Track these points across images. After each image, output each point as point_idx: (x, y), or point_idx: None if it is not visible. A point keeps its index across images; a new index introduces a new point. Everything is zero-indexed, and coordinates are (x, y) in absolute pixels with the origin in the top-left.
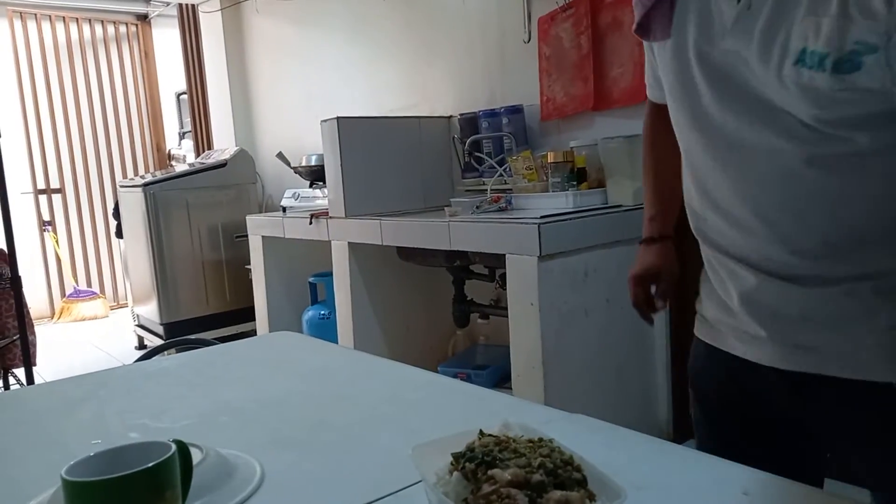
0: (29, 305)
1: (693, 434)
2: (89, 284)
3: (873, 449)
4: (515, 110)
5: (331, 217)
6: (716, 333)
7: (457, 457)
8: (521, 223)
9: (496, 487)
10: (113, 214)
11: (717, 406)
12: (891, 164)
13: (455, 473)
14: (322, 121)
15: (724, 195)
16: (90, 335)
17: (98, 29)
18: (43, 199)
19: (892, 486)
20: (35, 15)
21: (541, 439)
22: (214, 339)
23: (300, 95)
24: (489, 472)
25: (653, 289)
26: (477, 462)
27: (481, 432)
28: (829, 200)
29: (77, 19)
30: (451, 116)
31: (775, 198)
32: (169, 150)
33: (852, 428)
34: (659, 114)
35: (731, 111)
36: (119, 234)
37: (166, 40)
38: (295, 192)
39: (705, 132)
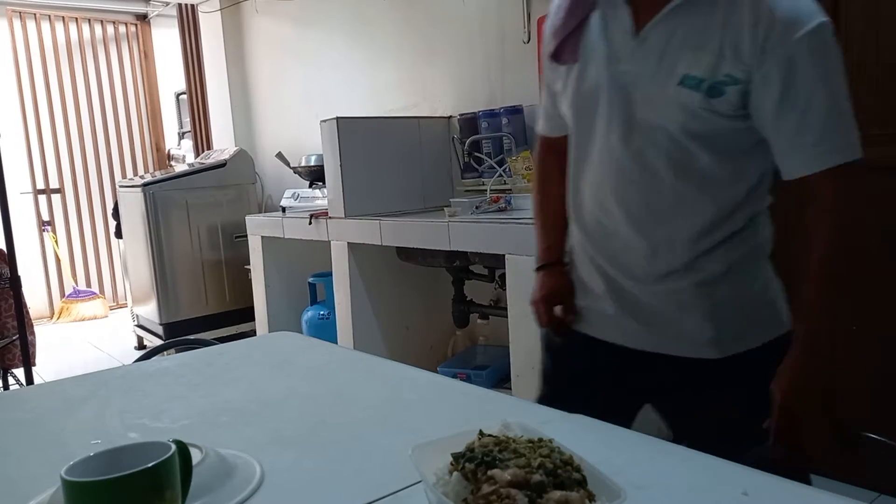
0: (28, 305)
1: None
2: (89, 285)
3: (684, 403)
4: (515, 111)
5: (330, 217)
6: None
7: (456, 457)
8: (521, 223)
9: (496, 488)
10: (112, 214)
11: (565, 373)
12: (726, 183)
13: (455, 473)
14: (321, 121)
15: (603, 196)
16: (90, 335)
17: (98, 29)
18: (42, 199)
19: (692, 431)
20: (35, 15)
21: (540, 439)
22: (214, 339)
23: (300, 95)
24: (489, 473)
25: (556, 309)
26: (477, 462)
27: (481, 432)
28: (686, 205)
29: (76, 19)
30: (450, 117)
31: (643, 200)
32: (168, 151)
33: (671, 387)
34: (551, 148)
35: (619, 120)
36: (118, 235)
37: (166, 40)
38: (294, 193)
39: (599, 139)
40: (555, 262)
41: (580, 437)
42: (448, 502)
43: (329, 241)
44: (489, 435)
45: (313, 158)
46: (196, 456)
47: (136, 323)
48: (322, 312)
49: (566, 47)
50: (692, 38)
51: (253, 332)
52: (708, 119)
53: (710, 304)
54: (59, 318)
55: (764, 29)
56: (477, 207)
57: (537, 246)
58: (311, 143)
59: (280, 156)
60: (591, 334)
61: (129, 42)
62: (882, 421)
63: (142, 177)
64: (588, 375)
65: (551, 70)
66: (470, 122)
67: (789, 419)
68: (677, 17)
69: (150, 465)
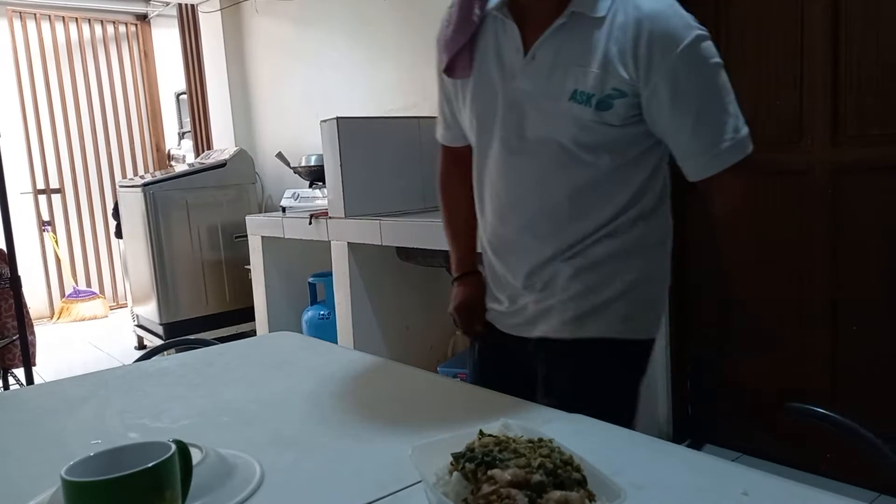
0: (28, 305)
1: (691, 435)
2: (89, 285)
3: (566, 381)
4: None
5: (330, 217)
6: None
7: (457, 457)
8: None
9: (496, 488)
10: (112, 214)
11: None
12: (623, 178)
13: (455, 473)
14: (322, 121)
15: (503, 204)
16: (90, 335)
17: (98, 29)
18: (42, 199)
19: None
20: (35, 15)
21: (540, 439)
22: (214, 339)
23: (300, 95)
24: (489, 473)
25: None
26: (477, 462)
27: (481, 432)
28: (580, 210)
29: (77, 19)
30: None
31: (538, 210)
32: (168, 151)
33: (558, 366)
34: (453, 158)
35: (515, 134)
36: (118, 235)
37: (166, 40)
38: (294, 193)
39: (497, 152)
40: (468, 272)
41: (580, 437)
42: (448, 502)
43: (329, 241)
44: (489, 435)
45: (313, 158)
46: (196, 456)
47: (136, 323)
48: (322, 312)
49: (458, 63)
50: (578, 55)
51: (253, 332)
52: (599, 130)
53: (576, 287)
54: (59, 318)
55: (645, 47)
56: None
57: (450, 256)
58: (311, 143)
59: (280, 156)
60: (499, 329)
61: (129, 42)
62: (886, 420)
63: (142, 177)
64: (503, 371)
65: (448, 82)
66: None
67: None
68: (562, 36)
69: (150, 465)
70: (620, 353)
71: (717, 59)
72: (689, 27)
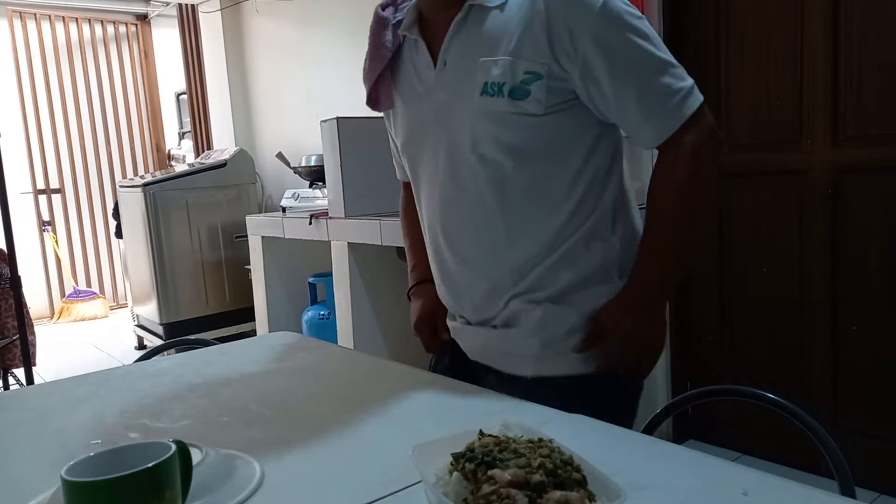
0: (28, 305)
1: (694, 435)
2: (89, 285)
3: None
4: None
5: (330, 217)
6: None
7: (457, 457)
8: None
9: (496, 488)
10: (112, 214)
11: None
12: (561, 185)
13: (455, 474)
14: (322, 121)
15: (435, 235)
16: (90, 335)
17: (98, 29)
18: (42, 199)
19: None
20: (35, 15)
21: (540, 440)
22: (214, 339)
23: (300, 95)
24: (489, 473)
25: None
26: (477, 462)
27: (481, 432)
28: (516, 230)
29: (77, 19)
30: None
31: (472, 234)
32: (168, 151)
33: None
34: (409, 188)
35: (442, 151)
36: (119, 235)
37: (166, 40)
38: (294, 193)
39: (427, 177)
40: (424, 281)
41: (580, 437)
42: (448, 502)
43: (329, 241)
44: (489, 435)
45: (313, 158)
46: (196, 456)
47: (136, 323)
48: (322, 312)
49: (379, 93)
50: (485, 47)
51: (253, 332)
52: (520, 123)
53: (537, 321)
54: (59, 318)
55: (561, 21)
56: None
57: (408, 270)
58: (312, 143)
59: (280, 156)
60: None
61: (129, 42)
62: (886, 420)
63: (142, 177)
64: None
65: (385, 119)
66: None
67: (593, 340)
68: (463, 34)
69: (150, 465)
70: (594, 392)
71: (636, 11)
72: None
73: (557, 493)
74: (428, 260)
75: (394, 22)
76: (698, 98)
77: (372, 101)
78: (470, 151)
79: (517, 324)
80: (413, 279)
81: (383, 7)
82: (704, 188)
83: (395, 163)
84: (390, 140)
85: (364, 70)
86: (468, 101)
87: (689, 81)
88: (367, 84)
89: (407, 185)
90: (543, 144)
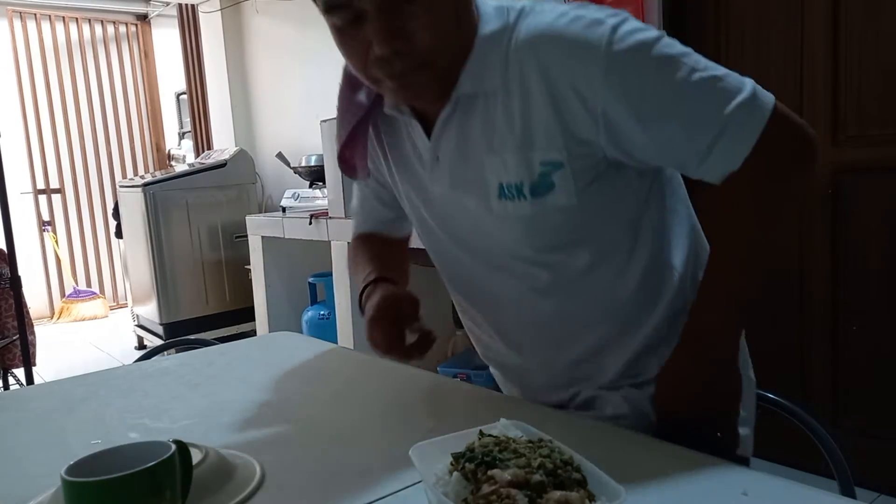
0: (28, 305)
1: None
2: (89, 285)
3: None
4: None
5: (330, 217)
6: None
7: (457, 457)
8: None
9: (496, 488)
10: (112, 214)
11: None
12: (598, 279)
13: (455, 474)
14: (321, 121)
15: (477, 317)
16: (90, 335)
17: (98, 29)
18: (42, 199)
19: None
20: (35, 15)
21: (540, 440)
22: (214, 339)
23: (300, 95)
24: (489, 473)
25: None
26: (477, 462)
27: (481, 432)
28: (560, 323)
29: (77, 19)
30: None
31: (514, 323)
32: (169, 151)
33: None
34: (370, 236)
35: (466, 251)
36: (119, 235)
37: (166, 40)
38: (295, 193)
39: (449, 268)
40: (380, 279)
41: (580, 437)
42: (448, 502)
43: (329, 241)
44: (489, 435)
45: (313, 158)
46: (196, 456)
47: (136, 323)
48: (322, 312)
49: (354, 160)
50: (483, 143)
51: (253, 332)
52: (553, 220)
53: (616, 405)
54: (59, 318)
55: (562, 84)
56: None
57: (360, 279)
58: (312, 144)
59: (280, 156)
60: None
61: (129, 42)
62: (886, 420)
63: (142, 177)
64: None
65: (375, 173)
66: None
67: (666, 426)
68: (454, 127)
69: (149, 465)
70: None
71: (654, 34)
72: (594, 24)
73: (557, 493)
74: (389, 266)
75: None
76: (765, 102)
77: (346, 167)
78: (501, 257)
79: (593, 407)
80: (365, 280)
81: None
82: (782, 214)
83: (357, 215)
84: (355, 192)
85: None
86: (484, 206)
87: (748, 87)
88: (337, 143)
89: (366, 238)
90: (585, 228)
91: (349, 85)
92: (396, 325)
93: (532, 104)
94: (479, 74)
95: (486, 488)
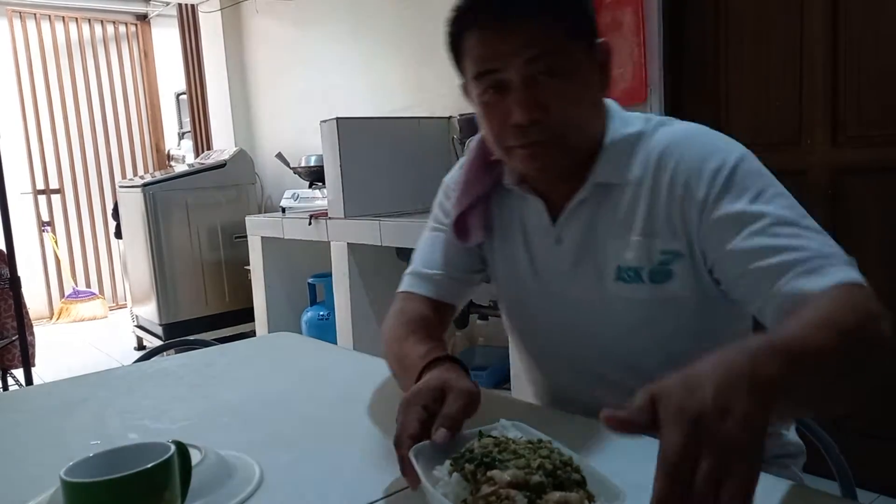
0: (28, 306)
1: None
2: (88, 285)
3: None
4: None
5: (330, 218)
6: None
7: (456, 458)
8: None
9: (495, 488)
10: (112, 215)
11: None
12: None
13: (454, 474)
14: (321, 121)
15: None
16: (89, 336)
17: (98, 29)
18: (42, 199)
19: None
20: (35, 15)
21: (540, 440)
22: (214, 339)
23: (299, 96)
24: (488, 474)
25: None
26: (476, 463)
27: (480, 433)
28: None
29: (77, 19)
30: (450, 117)
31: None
32: (168, 151)
33: None
34: (422, 305)
35: (560, 331)
36: (118, 235)
37: (166, 40)
38: (294, 193)
39: (538, 346)
40: (444, 357)
41: (580, 437)
42: (447, 503)
43: (329, 242)
44: (488, 436)
45: (313, 159)
46: (195, 457)
47: (135, 323)
48: (322, 313)
49: (469, 226)
50: (611, 226)
51: (253, 333)
52: (667, 312)
53: None
54: (58, 318)
55: (682, 189)
56: None
57: (406, 375)
58: (311, 144)
59: (280, 156)
60: None
61: (129, 42)
62: (887, 420)
63: (142, 177)
64: None
65: (451, 238)
66: (470, 123)
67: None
68: (587, 211)
69: (149, 465)
70: None
71: (767, 172)
72: (721, 150)
73: (557, 494)
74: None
75: (495, 159)
76: (856, 276)
77: (460, 232)
78: (607, 342)
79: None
80: (429, 357)
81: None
82: (868, 351)
83: (421, 276)
84: (439, 249)
85: (453, 197)
86: (599, 287)
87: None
88: (455, 210)
89: (415, 300)
90: (701, 322)
91: (482, 157)
92: (426, 420)
93: (659, 197)
94: (616, 167)
95: (485, 489)
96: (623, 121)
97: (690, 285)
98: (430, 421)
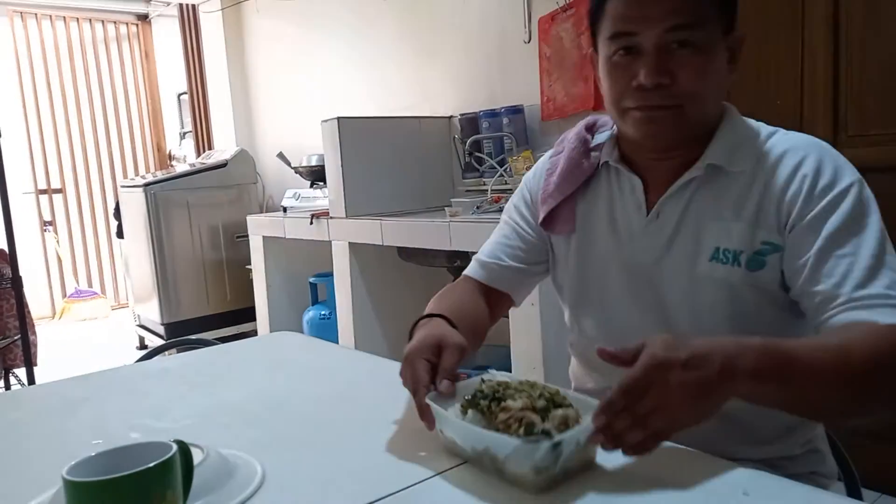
0: (30, 305)
1: None
2: (90, 284)
3: None
4: (516, 110)
5: (331, 217)
6: None
7: (469, 399)
8: None
9: (511, 414)
10: (114, 214)
11: None
12: None
13: (470, 411)
14: (322, 121)
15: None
16: (91, 335)
17: (98, 29)
18: (44, 198)
19: None
20: (35, 15)
21: (527, 380)
22: (215, 339)
23: (300, 95)
24: (503, 405)
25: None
26: (490, 399)
27: (482, 380)
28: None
29: (77, 19)
30: (451, 116)
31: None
32: (169, 151)
33: None
34: (476, 288)
35: (641, 311)
36: (120, 235)
37: (167, 40)
38: (295, 192)
39: (614, 329)
40: (437, 315)
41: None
42: (476, 427)
43: (330, 241)
44: (490, 381)
45: (314, 158)
46: (197, 456)
47: (137, 323)
48: (323, 312)
49: (560, 216)
50: (714, 209)
51: (254, 332)
52: (751, 300)
53: None
54: (60, 318)
55: (794, 192)
56: (478, 207)
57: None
58: (312, 143)
59: (281, 156)
60: None
61: (129, 42)
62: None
63: (143, 177)
64: None
65: (530, 231)
66: (471, 122)
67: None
68: (692, 190)
69: (151, 465)
70: None
71: (874, 205)
72: (839, 169)
73: (559, 412)
74: (463, 312)
75: (592, 145)
76: None
77: (548, 224)
78: (686, 321)
79: None
80: (424, 313)
81: (587, 127)
82: (871, 403)
83: (485, 263)
84: (502, 245)
85: (543, 186)
86: (690, 265)
87: None
88: (547, 203)
89: (474, 284)
90: (769, 329)
91: (584, 146)
92: (430, 371)
93: (773, 191)
94: (731, 153)
95: (502, 416)
96: (740, 118)
97: (776, 280)
98: (433, 371)
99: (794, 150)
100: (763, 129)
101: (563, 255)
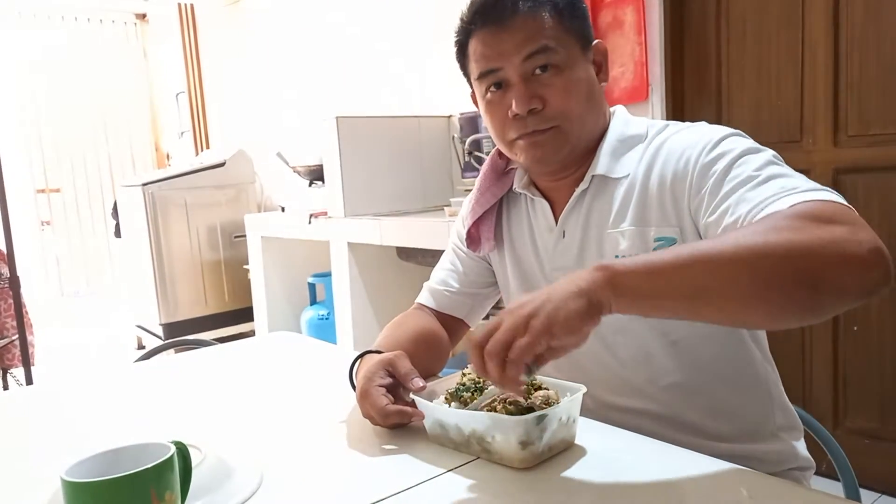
0: (27, 305)
1: None
2: (88, 284)
3: None
4: None
5: (330, 217)
6: None
7: (452, 392)
8: None
9: (495, 397)
10: (112, 214)
11: None
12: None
13: (454, 403)
14: (321, 120)
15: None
16: (89, 335)
17: (96, 27)
18: (42, 198)
19: None
20: (34, 14)
21: None
22: (213, 339)
23: (299, 95)
24: (486, 390)
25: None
26: (472, 390)
27: (463, 373)
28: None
29: (76, 18)
30: (450, 116)
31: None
32: (167, 150)
33: None
34: (430, 316)
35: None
36: (118, 234)
37: (165, 39)
38: (294, 192)
39: None
40: (370, 351)
41: (580, 437)
42: (461, 410)
43: (328, 241)
44: (469, 374)
45: (313, 158)
46: (195, 457)
47: (135, 323)
48: (321, 312)
49: (480, 235)
50: (604, 219)
51: (252, 333)
52: None
53: None
54: (58, 317)
55: (671, 173)
56: None
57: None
58: (311, 143)
59: (279, 155)
60: None
61: (128, 41)
62: (887, 420)
63: (141, 176)
64: None
65: (471, 255)
66: (470, 121)
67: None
68: (587, 203)
69: (149, 465)
70: None
71: (755, 144)
72: (712, 131)
73: (541, 392)
74: (400, 340)
75: (505, 171)
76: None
77: (471, 242)
78: (613, 331)
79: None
80: (357, 355)
81: (500, 154)
82: (801, 278)
83: (436, 288)
84: (447, 268)
85: (465, 210)
86: None
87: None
88: (465, 223)
89: (423, 311)
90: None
91: (494, 170)
92: (382, 397)
93: (650, 188)
94: (615, 162)
95: (487, 400)
96: (626, 123)
97: None
98: (394, 389)
99: (667, 142)
100: (651, 127)
101: (501, 270)
